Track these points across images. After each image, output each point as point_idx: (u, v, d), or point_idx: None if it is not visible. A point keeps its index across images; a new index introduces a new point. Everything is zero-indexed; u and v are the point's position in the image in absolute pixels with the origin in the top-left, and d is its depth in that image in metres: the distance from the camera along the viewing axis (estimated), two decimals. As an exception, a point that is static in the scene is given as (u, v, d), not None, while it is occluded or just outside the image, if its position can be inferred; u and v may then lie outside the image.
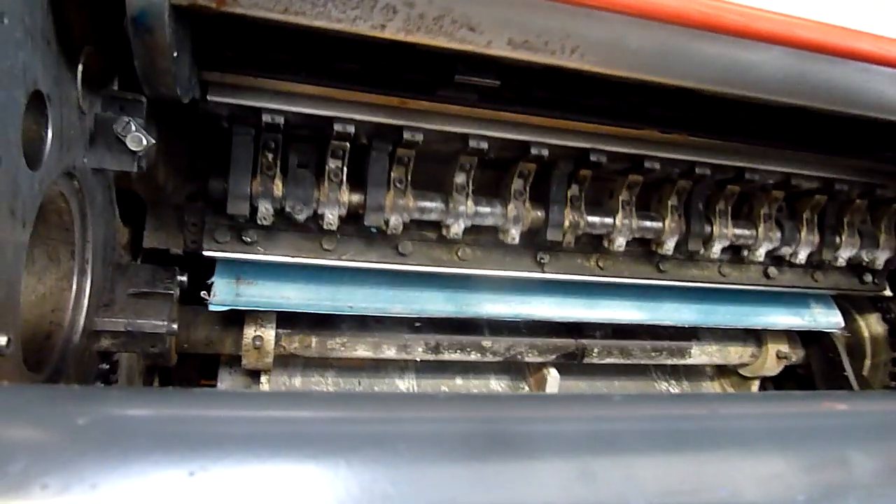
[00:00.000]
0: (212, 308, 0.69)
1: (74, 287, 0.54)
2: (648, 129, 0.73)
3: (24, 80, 0.40)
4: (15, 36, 0.38)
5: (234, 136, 0.62)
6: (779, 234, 0.82)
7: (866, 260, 0.86)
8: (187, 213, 0.70)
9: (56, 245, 0.52)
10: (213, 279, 0.70)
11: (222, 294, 0.69)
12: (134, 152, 0.55)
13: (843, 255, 0.85)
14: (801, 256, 0.84)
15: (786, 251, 0.84)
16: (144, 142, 0.54)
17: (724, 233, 0.80)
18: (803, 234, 0.83)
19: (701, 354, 0.90)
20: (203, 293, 0.69)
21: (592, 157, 0.70)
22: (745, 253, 0.83)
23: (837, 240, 0.85)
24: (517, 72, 0.62)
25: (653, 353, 0.89)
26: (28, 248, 0.44)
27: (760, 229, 0.81)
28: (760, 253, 0.82)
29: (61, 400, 0.31)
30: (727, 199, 0.80)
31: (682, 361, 0.90)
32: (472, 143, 0.66)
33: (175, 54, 0.46)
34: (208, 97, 0.57)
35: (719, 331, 0.93)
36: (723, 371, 0.98)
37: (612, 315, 0.83)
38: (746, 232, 0.82)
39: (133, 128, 0.54)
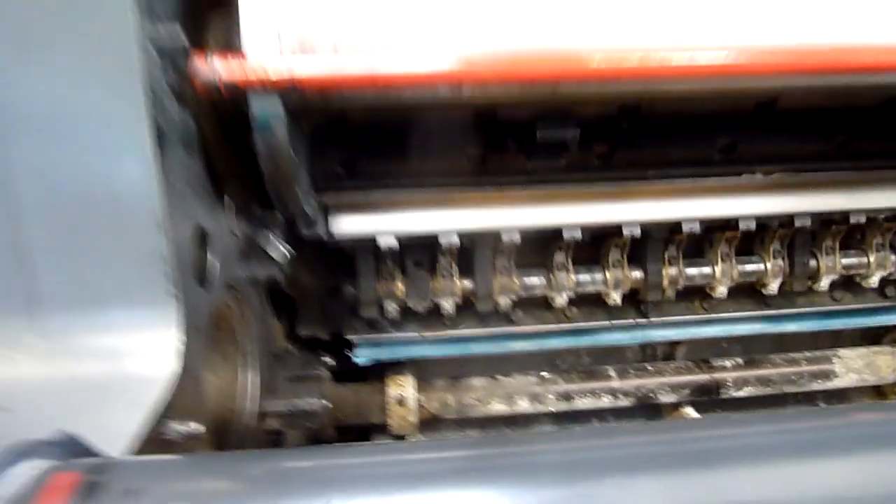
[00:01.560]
0: (356, 360, 0.79)
1: (243, 378, 0.65)
2: (743, 172, 0.74)
3: (190, 222, 0.53)
4: (181, 191, 0.51)
5: (357, 252, 0.73)
6: (893, 259, 0.80)
7: None
8: (329, 306, 0.81)
9: (225, 345, 0.64)
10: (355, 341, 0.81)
11: (363, 352, 0.80)
12: (277, 262, 0.67)
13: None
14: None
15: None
16: (284, 252, 0.66)
17: (832, 267, 0.80)
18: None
19: (847, 372, 0.86)
20: (347, 351, 0.80)
21: (685, 228, 0.74)
22: (858, 280, 0.82)
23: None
24: (597, 128, 0.68)
25: (792, 377, 0.86)
26: (205, 351, 0.55)
27: (873, 259, 0.80)
28: (874, 280, 0.80)
29: (244, 461, 0.40)
30: (834, 237, 0.80)
31: (827, 385, 0.87)
32: (566, 235, 0.73)
33: (295, 175, 0.57)
34: (330, 228, 0.69)
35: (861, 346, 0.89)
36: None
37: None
38: (857, 261, 0.81)
39: (274, 242, 0.66)
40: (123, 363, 0.48)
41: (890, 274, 0.81)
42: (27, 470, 0.31)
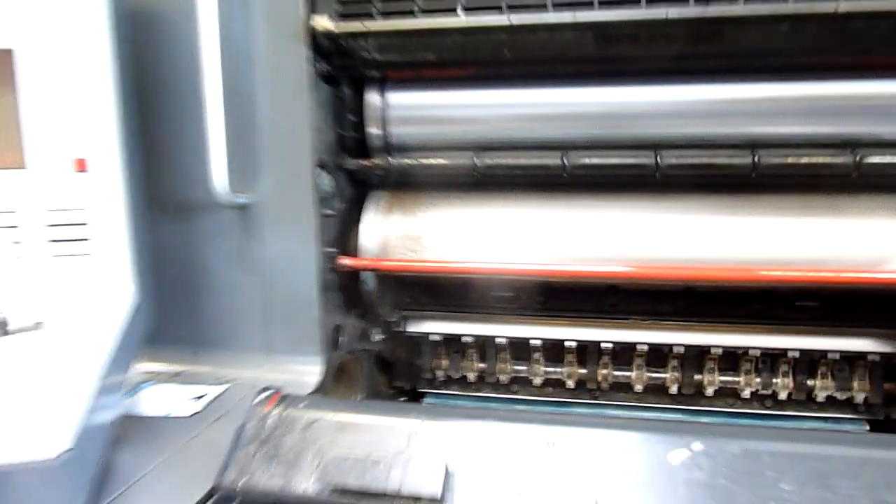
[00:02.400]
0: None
1: (352, 398, 1.30)
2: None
3: (332, 321, 1.20)
4: (329, 306, 1.19)
5: (421, 341, 1.35)
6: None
7: None
8: (410, 370, 1.43)
9: (346, 387, 1.30)
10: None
11: (429, 399, 1.40)
12: (377, 343, 1.32)
13: None
14: None
15: None
16: (381, 339, 1.31)
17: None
18: None
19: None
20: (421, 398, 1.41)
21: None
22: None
23: None
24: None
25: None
26: (334, 384, 1.21)
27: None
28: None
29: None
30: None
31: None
32: (536, 343, 1.30)
33: (382, 301, 1.23)
34: (406, 328, 1.33)
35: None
36: None
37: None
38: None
39: (376, 335, 1.32)
40: (302, 378, 1.14)
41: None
42: (266, 393, 0.96)
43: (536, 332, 1.26)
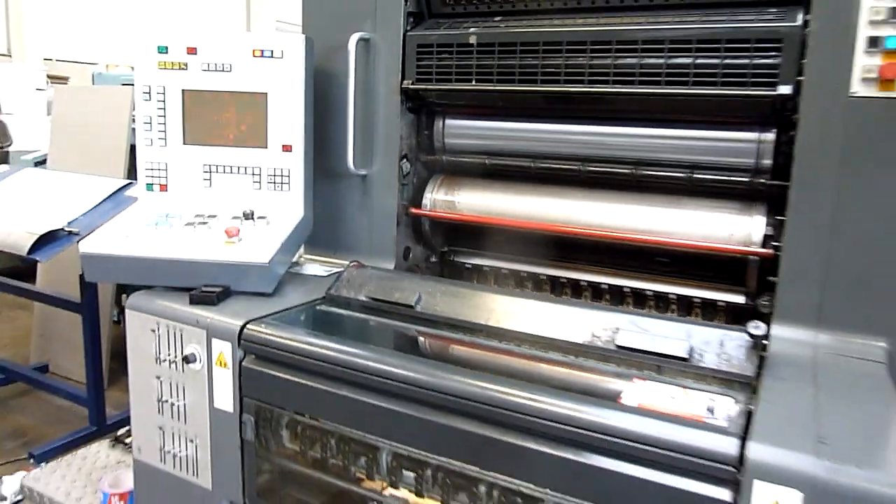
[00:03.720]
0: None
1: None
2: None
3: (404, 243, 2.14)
4: (407, 235, 2.13)
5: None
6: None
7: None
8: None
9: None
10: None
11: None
12: (433, 263, 2.25)
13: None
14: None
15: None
16: (435, 261, 2.24)
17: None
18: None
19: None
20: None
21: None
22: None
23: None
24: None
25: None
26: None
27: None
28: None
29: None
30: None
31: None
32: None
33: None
34: (452, 258, 2.23)
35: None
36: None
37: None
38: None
39: (433, 258, 2.25)
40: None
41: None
42: (354, 263, 1.93)
43: (521, 267, 2.12)
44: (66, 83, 7.69)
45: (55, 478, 2.05)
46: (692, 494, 1.08)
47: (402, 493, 1.42)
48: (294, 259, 2.04)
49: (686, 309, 1.84)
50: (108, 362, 3.64)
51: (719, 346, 1.38)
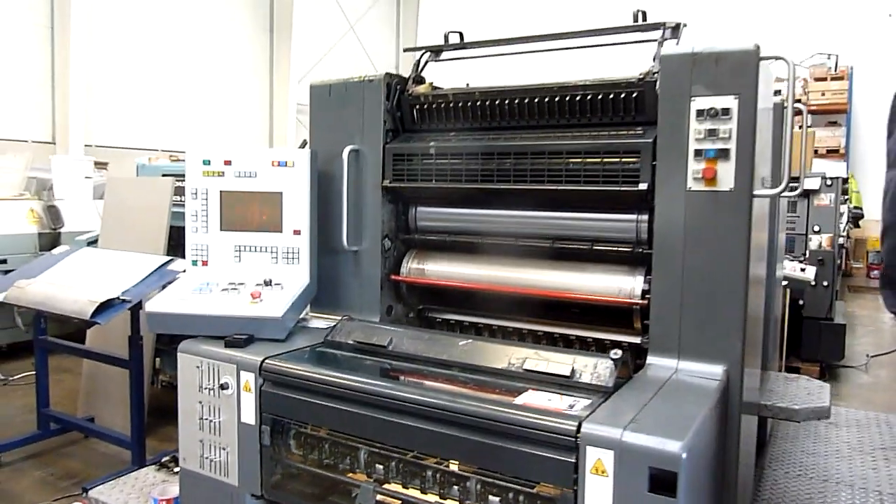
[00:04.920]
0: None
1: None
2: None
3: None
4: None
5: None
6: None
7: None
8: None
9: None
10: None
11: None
12: (412, 319, 2.87)
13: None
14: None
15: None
16: (412, 316, 2.86)
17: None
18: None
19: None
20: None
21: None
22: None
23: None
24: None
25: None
26: (387, 329, 2.77)
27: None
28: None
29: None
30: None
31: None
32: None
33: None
34: (426, 313, 2.85)
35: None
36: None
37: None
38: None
39: (410, 314, 2.87)
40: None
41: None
42: (346, 316, 2.55)
43: (474, 319, 2.73)
44: (105, 168, 8.60)
45: (115, 492, 2.63)
46: (554, 459, 1.66)
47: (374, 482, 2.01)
48: (302, 315, 2.67)
49: (601, 348, 2.43)
50: (146, 416, 4.23)
51: (594, 367, 1.97)
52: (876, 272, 13.49)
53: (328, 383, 2.05)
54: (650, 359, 2.13)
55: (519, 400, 1.80)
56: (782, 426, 3.53)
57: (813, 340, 6.15)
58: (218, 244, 2.59)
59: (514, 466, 1.74)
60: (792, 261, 4.89)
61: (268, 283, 2.51)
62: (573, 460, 1.63)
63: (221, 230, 2.59)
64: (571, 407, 1.74)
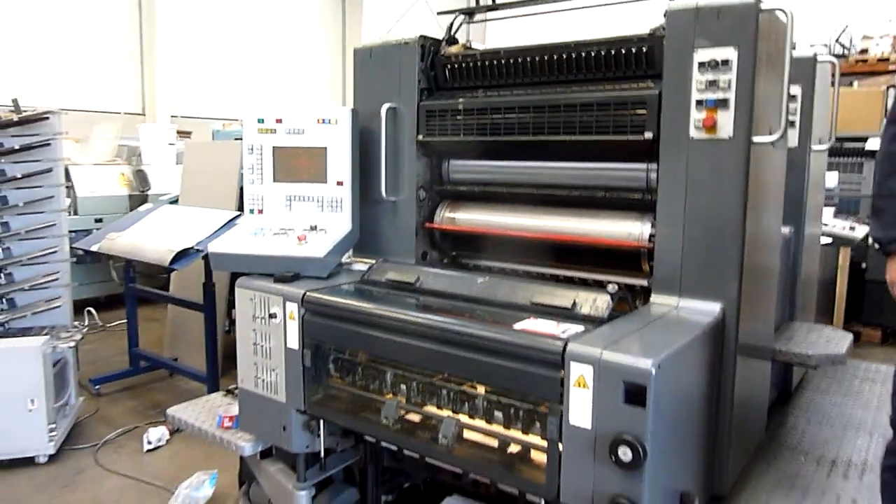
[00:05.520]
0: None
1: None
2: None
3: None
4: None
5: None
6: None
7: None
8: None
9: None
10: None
11: None
12: (446, 264, 3.12)
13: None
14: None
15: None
16: (447, 261, 3.11)
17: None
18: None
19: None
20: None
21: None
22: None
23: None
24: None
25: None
26: (422, 273, 3.04)
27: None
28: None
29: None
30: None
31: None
32: None
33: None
34: (460, 259, 3.10)
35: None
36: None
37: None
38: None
39: (445, 259, 3.12)
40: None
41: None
42: (381, 259, 2.81)
43: (501, 264, 2.95)
44: (189, 137, 9.23)
45: (188, 411, 3.04)
46: (543, 375, 1.88)
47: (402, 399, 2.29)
48: (345, 259, 2.97)
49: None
50: (222, 359, 4.71)
51: (593, 301, 2.16)
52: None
53: (358, 312, 2.33)
54: (654, 297, 2.30)
55: (518, 325, 2.02)
56: (815, 378, 3.58)
57: (875, 304, 6.02)
58: (271, 194, 2.91)
59: (513, 382, 1.98)
60: (846, 220, 4.81)
61: (313, 229, 2.81)
62: (560, 376, 1.84)
63: (274, 181, 2.90)
64: (564, 332, 1.95)
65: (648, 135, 2.29)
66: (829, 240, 4.04)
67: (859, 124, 5.81)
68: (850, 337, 2.92)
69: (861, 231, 4.45)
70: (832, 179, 5.42)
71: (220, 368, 4.66)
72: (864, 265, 6.02)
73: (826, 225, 4.17)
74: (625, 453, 1.70)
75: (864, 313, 6.07)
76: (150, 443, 3.98)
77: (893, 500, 1.85)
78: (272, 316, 2.54)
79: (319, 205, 2.89)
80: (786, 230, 2.96)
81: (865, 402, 3.29)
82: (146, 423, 4.33)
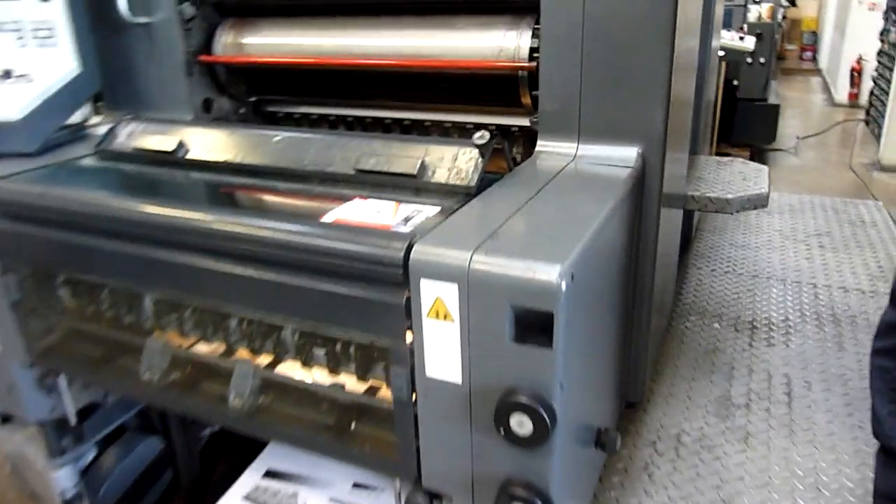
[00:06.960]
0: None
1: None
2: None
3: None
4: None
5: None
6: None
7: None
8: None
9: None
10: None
11: None
12: (245, 114, 2.16)
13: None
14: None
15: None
16: (243, 112, 2.14)
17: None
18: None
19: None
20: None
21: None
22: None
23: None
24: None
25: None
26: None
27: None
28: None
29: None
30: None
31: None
32: None
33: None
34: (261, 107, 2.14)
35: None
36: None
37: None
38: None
39: (241, 109, 2.15)
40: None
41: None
42: (130, 116, 1.85)
43: (325, 110, 2.04)
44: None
45: None
46: (374, 301, 1.10)
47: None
48: (79, 119, 1.93)
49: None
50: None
51: (452, 160, 1.36)
52: (808, 53, 13.01)
53: (63, 209, 1.39)
54: (540, 144, 1.54)
55: (329, 216, 1.19)
56: (710, 216, 3.11)
57: (745, 124, 5.71)
58: (-77, 20, 1.75)
59: (329, 313, 1.18)
60: (729, 30, 4.22)
61: (6, 75, 1.73)
62: (403, 299, 1.07)
63: (-77, -2, 1.73)
64: (407, 220, 1.15)
65: None
66: (722, 53, 3.43)
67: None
68: (766, 171, 2.37)
69: (750, 42, 3.88)
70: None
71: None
72: (735, 83, 5.63)
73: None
74: (521, 423, 1.00)
75: (735, 133, 5.77)
76: None
77: (886, 390, 1.33)
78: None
79: (16, 35, 1.78)
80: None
81: (769, 241, 2.87)
82: None
